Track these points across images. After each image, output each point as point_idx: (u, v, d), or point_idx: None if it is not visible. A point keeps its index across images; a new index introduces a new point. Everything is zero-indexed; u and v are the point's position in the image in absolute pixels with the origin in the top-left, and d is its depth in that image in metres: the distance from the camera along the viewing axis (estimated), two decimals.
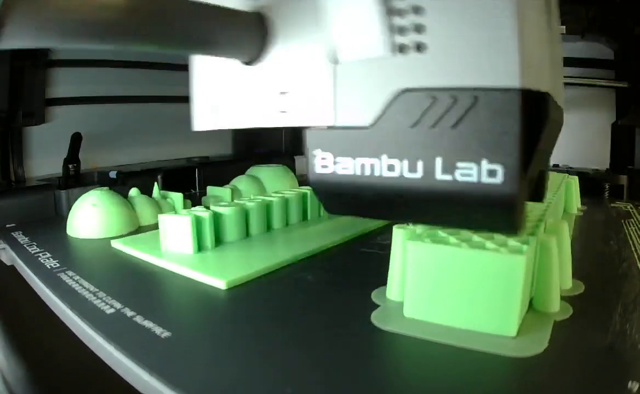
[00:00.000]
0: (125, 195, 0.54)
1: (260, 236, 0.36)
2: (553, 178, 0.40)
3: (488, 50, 0.15)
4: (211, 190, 0.52)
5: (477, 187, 0.15)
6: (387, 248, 0.25)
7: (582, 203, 0.46)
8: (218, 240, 0.33)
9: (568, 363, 0.18)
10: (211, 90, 0.26)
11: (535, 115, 0.15)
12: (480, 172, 0.15)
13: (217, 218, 0.33)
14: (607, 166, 0.62)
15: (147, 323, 0.21)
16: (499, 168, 0.15)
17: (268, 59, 0.22)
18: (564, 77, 0.65)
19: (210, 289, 0.26)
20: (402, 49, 0.16)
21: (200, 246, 0.31)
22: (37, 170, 0.57)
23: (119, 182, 0.55)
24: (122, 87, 0.66)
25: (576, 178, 0.44)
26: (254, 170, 0.57)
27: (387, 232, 0.24)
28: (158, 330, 0.21)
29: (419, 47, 0.16)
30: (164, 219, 0.32)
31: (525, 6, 0.14)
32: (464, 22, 0.15)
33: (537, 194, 0.17)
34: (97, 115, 0.63)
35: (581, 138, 0.65)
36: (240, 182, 0.54)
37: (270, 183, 0.55)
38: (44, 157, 0.57)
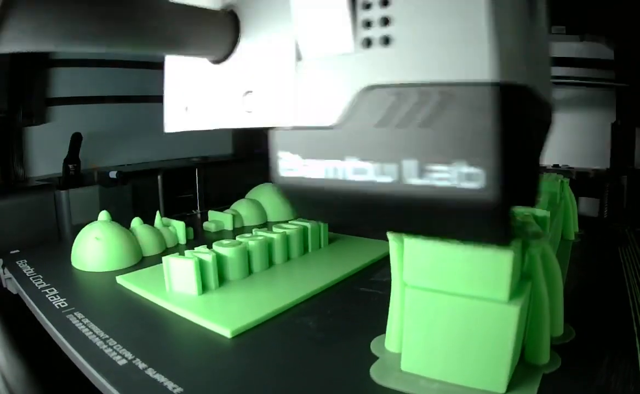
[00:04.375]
0: (125, 195, 0.55)
1: (262, 273, 0.36)
2: (548, 184, 0.40)
3: (460, 41, 0.13)
4: (212, 214, 0.53)
5: (454, 192, 0.13)
6: (386, 286, 0.25)
7: (580, 224, 0.46)
8: (221, 279, 0.34)
9: None
10: (181, 91, 0.25)
11: (515, 110, 0.13)
12: (456, 176, 0.13)
13: (220, 259, 0.34)
14: (607, 166, 0.62)
15: (159, 377, 0.22)
16: (478, 172, 0.13)
17: (235, 58, 0.21)
18: (566, 77, 0.65)
19: (216, 336, 0.27)
20: (368, 43, 0.15)
21: (204, 287, 0.32)
22: (37, 170, 0.57)
23: (119, 182, 0.54)
24: (122, 87, 0.66)
25: (574, 198, 0.45)
26: (254, 193, 0.58)
27: (386, 266, 0.24)
28: (170, 385, 0.21)
29: (386, 41, 0.15)
30: (169, 261, 0.32)
31: None
32: (433, 12, 0.14)
33: (528, 198, 0.16)
34: (97, 115, 0.63)
35: (581, 138, 0.65)
36: (241, 206, 0.54)
37: (271, 206, 0.56)
38: (44, 157, 0.57)
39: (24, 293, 0.34)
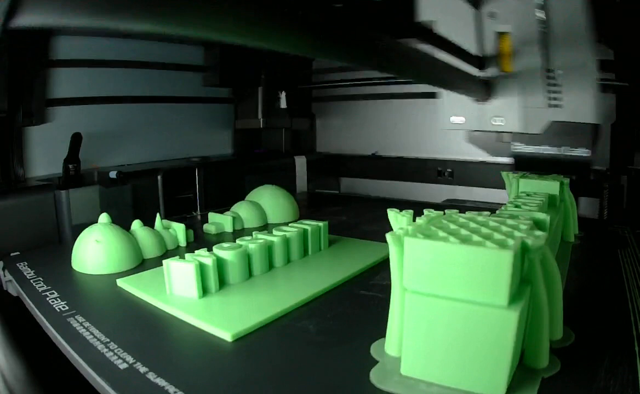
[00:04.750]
0: (125, 195, 0.55)
1: (262, 276, 0.36)
2: (549, 186, 0.41)
3: None
4: (212, 216, 0.53)
5: None
6: (385, 290, 0.25)
7: (580, 226, 0.47)
8: (222, 282, 0.34)
9: None
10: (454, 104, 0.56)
11: None
12: None
13: (220, 262, 0.34)
14: (607, 166, 0.62)
15: (160, 381, 0.22)
16: None
17: (492, 102, 0.51)
18: None
19: (216, 340, 0.27)
20: None
21: (204, 290, 0.32)
22: (37, 170, 0.57)
23: (119, 182, 0.54)
24: (122, 87, 0.66)
25: (574, 200, 0.45)
26: (254, 194, 0.58)
27: (385, 269, 0.24)
28: (171, 389, 0.21)
29: None
30: (169, 265, 0.32)
31: None
32: None
33: None
34: (97, 115, 0.63)
35: None
36: (241, 208, 0.54)
37: (271, 208, 0.56)
38: (44, 157, 0.57)
39: (25, 295, 0.34)
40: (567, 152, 0.58)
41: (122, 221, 0.44)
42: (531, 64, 0.50)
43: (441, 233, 0.21)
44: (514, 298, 0.19)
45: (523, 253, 0.20)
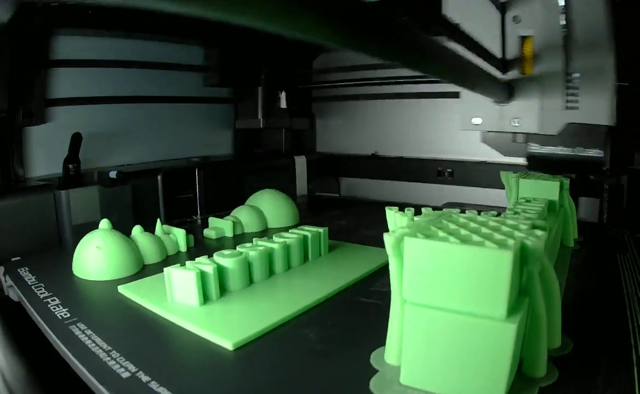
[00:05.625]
0: (125, 195, 0.55)
1: (263, 284, 0.36)
2: (548, 191, 0.40)
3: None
4: (212, 221, 0.53)
5: None
6: (385, 297, 0.25)
7: (580, 230, 0.47)
8: (222, 289, 0.34)
9: None
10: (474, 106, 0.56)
11: None
12: None
13: (221, 270, 0.34)
14: (607, 166, 0.62)
15: (163, 391, 0.22)
16: None
17: (511, 104, 0.50)
18: None
19: (218, 348, 0.27)
20: None
21: (205, 298, 0.32)
22: (37, 170, 0.57)
23: (119, 182, 0.55)
24: (122, 87, 0.66)
25: (573, 205, 0.45)
26: (255, 199, 0.58)
27: (385, 276, 0.25)
28: None
29: None
30: (170, 272, 0.32)
31: None
32: None
33: None
34: (97, 115, 0.63)
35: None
36: (241, 213, 0.54)
37: (271, 213, 0.56)
38: (44, 157, 0.58)
39: (27, 302, 0.34)
40: (580, 152, 0.59)
41: (122, 222, 0.44)
42: (551, 67, 0.51)
43: (441, 233, 0.21)
44: (512, 310, 0.19)
45: (522, 265, 0.20)
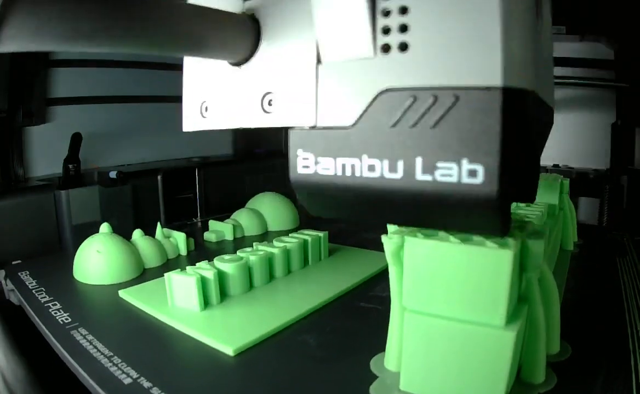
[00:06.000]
0: (125, 195, 0.55)
1: (263, 288, 0.36)
2: (547, 192, 0.40)
3: (470, 48, 0.14)
4: (213, 224, 0.53)
5: (458, 188, 0.15)
6: (385, 301, 0.25)
7: (579, 233, 0.47)
8: (223, 293, 0.34)
9: None
10: (199, 91, 0.26)
11: (518, 113, 0.15)
12: (460, 172, 0.15)
13: (221, 275, 0.34)
14: (607, 166, 0.62)
15: None
16: (479, 168, 0.14)
17: (255, 60, 0.21)
18: (566, 77, 0.65)
19: (219, 354, 0.27)
20: (385, 49, 0.16)
21: (206, 303, 0.32)
22: (37, 170, 0.57)
23: (119, 182, 0.55)
24: (122, 87, 0.66)
25: (573, 208, 0.45)
26: (255, 202, 0.58)
27: (385, 280, 0.24)
28: None
29: (403, 47, 0.16)
30: (171, 277, 0.32)
31: (510, 2, 0.14)
32: (447, 21, 0.15)
33: (527, 194, 0.17)
34: (97, 115, 0.63)
35: (581, 138, 0.65)
36: (241, 216, 0.55)
37: (271, 216, 0.56)
38: (44, 157, 0.57)
39: (27, 306, 0.34)
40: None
41: (122, 222, 0.44)
42: None
43: (441, 233, 0.21)
44: (511, 317, 0.19)
45: (521, 272, 0.20)
